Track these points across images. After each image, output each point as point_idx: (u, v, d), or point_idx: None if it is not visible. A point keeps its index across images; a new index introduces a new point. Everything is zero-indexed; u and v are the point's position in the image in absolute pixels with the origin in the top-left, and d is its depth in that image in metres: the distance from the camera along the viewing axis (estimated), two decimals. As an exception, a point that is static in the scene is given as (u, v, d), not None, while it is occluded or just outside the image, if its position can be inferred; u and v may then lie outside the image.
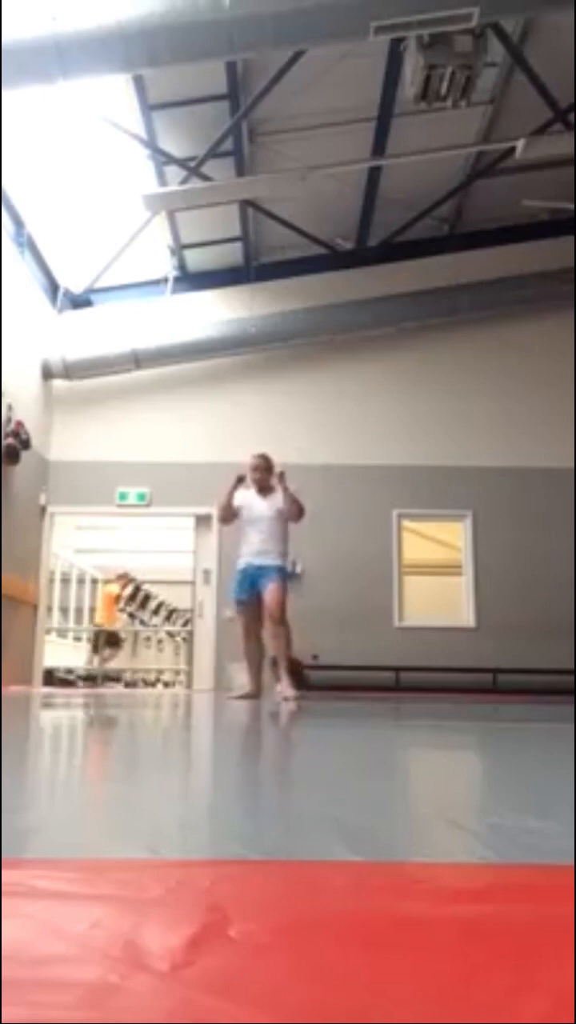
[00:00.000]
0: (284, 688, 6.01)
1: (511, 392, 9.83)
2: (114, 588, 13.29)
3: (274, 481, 6.29)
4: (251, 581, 6.21)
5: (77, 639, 13.95)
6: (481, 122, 8.23)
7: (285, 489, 6.20)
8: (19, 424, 8.40)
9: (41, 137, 7.58)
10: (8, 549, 8.07)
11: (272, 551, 6.20)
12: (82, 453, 9.66)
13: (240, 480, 6.31)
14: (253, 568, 6.20)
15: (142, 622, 15.24)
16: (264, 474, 6.32)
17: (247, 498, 6.31)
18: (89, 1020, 0.48)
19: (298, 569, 9.20)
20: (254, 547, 6.22)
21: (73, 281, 9.78)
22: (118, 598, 13.39)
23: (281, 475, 6.26)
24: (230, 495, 6.29)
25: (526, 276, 9.50)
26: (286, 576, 6.32)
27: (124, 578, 13.45)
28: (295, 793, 1.61)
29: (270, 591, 6.11)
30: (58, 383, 9.69)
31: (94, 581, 15.03)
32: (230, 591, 6.61)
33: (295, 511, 6.23)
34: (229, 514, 6.38)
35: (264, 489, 6.31)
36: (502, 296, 9.63)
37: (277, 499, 6.25)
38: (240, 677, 8.03)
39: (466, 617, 9.51)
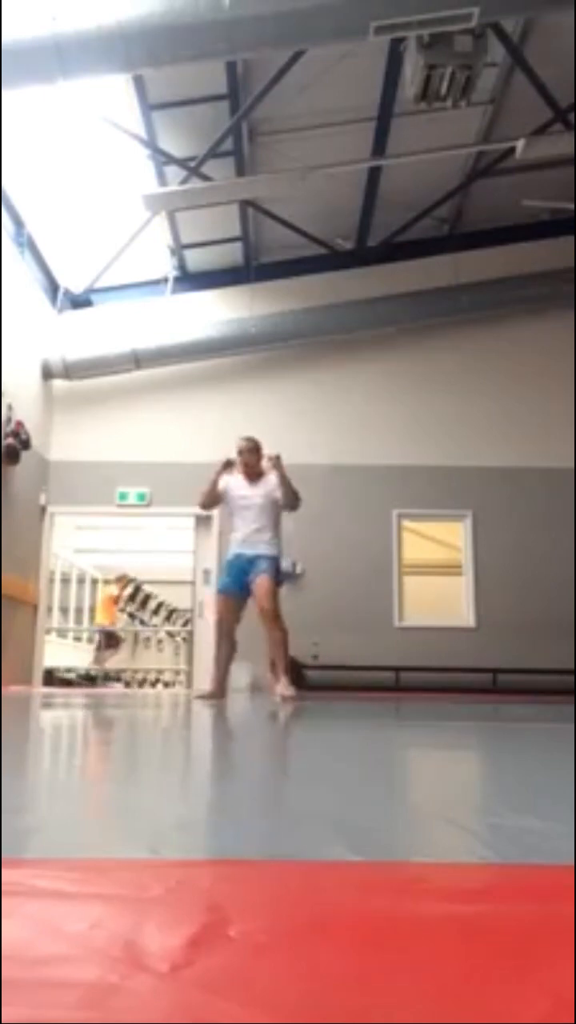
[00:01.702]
0: (283, 688, 5.72)
1: (511, 392, 9.83)
2: (113, 590, 13.31)
3: (266, 464, 5.97)
4: (240, 573, 5.87)
5: (77, 639, 13.97)
6: (481, 122, 8.23)
7: (280, 474, 5.88)
8: (19, 424, 8.40)
9: (41, 137, 7.58)
10: (8, 549, 8.07)
11: (262, 540, 5.86)
12: (82, 453, 9.66)
13: (228, 464, 6.01)
14: (243, 559, 5.88)
15: (142, 622, 15.25)
16: (252, 457, 5.97)
17: (235, 483, 6.00)
18: (89, 1020, 0.48)
19: (298, 569, 9.20)
20: (243, 535, 5.90)
21: (73, 281, 9.77)
22: (117, 599, 13.41)
23: (276, 459, 5.93)
24: (215, 478, 5.99)
25: (526, 276, 9.50)
26: (279, 567, 5.96)
27: (123, 579, 13.47)
28: (294, 793, 1.61)
29: (259, 584, 5.76)
30: (58, 383, 9.69)
31: (94, 581, 15.04)
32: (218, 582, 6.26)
33: (289, 496, 5.91)
34: (211, 499, 6.10)
35: (253, 475, 5.97)
36: (502, 296, 9.63)
37: (268, 485, 5.95)
38: (241, 678, 8.02)
39: (466, 617, 9.51)
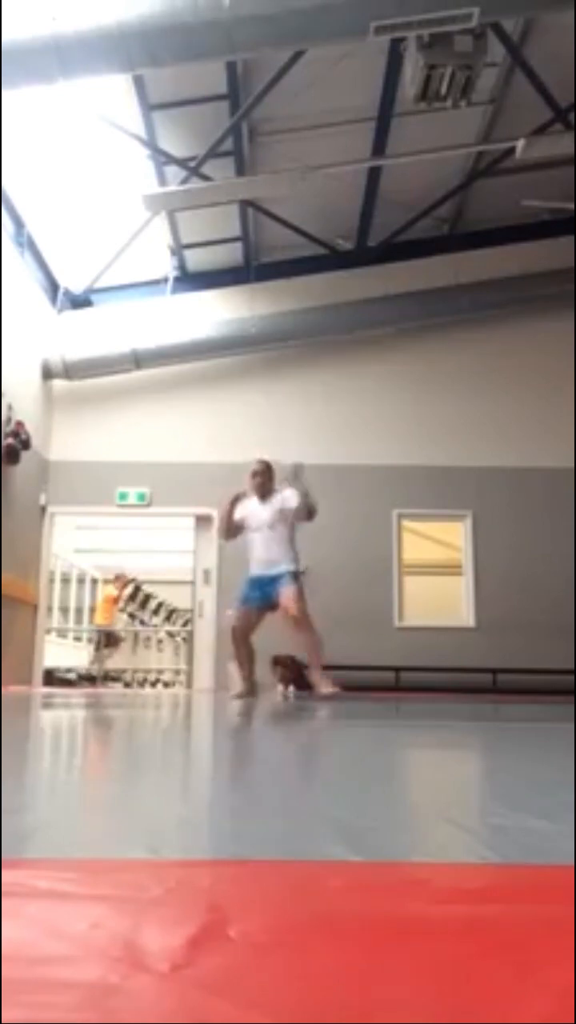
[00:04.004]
0: (325, 687, 5.83)
1: (511, 392, 9.83)
2: (112, 590, 13.31)
3: (281, 483, 6.04)
4: (262, 589, 5.95)
5: (77, 639, 13.97)
6: (481, 122, 8.23)
7: (301, 482, 5.91)
8: (19, 424, 8.40)
9: (41, 137, 7.58)
10: (8, 549, 8.07)
11: (281, 558, 5.93)
12: (82, 453, 9.66)
13: (236, 499, 6.06)
14: (266, 578, 5.94)
15: (142, 622, 15.26)
16: (264, 478, 6.07)
17: (248, 508, 6.07)
18: (89, 1020, 0.48)
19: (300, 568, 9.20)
20: (262, 557, 5.97)
21: (73, 281, 9.78)
22: (116, 599, 13.41)
23: (300, 468, 5.99)
24: (230, 513, 6.05)
25: (526, 276, 9.50)
26: (299, 578, 5.99)
27: (121, 579, 13.47)
28: (294, 794, 1.61)
29: (286, 596, 5.81)
30: (58, 383, 9.69)
31: (94, 581, 15.05)
32: (237, 593, 6.28)
33: (305, 509, 5.93)
34: (232, 531, 6.13)
35: (265, 495, 6.06)
36: (502, 296, 9.64)
37: (277, 501, 6.01)
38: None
39: (466, 617, 9.51)
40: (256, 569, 6.00)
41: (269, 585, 5.91)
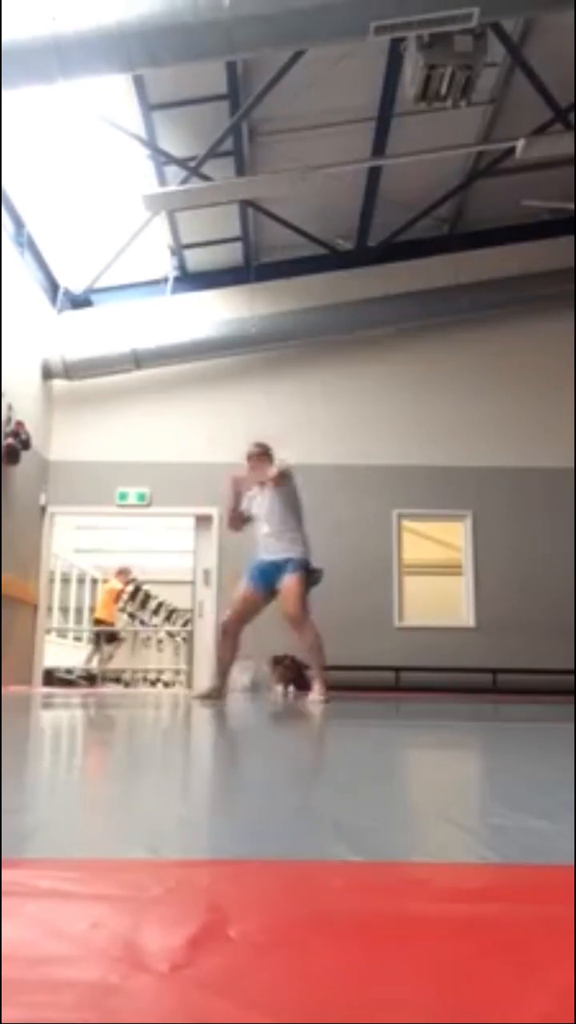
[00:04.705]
0: (315, 693, 5.57)
1: (511, 392, 9.83)
2: (116, 584, 13.27)
3: (273, 472, 5.73)
4: (268, 575, 5.63)
5: (77, 639, 13.97)
6: (481, 122, 8.23)
7: (279, 478, 5.65)
8: (19, 424, 8.40)
9: (41, 137, 7.58)
10: (8, 549, 8.07)
11: (285, 541, 5.61)
12: (82, 453, 9.66)
13: (238, 488, 5.80)
14: (271, 564, 5.62)
15: (142, 622, 15.25)
16: (260, 462, 5.79)
17: (249, 495, 5.83)
18: (89, 1020, 0.48)
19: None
20: (264, 545, 5.69)
21: (73, 281, 9.78)
22: (119, 594, 13.38)
23: (286, 470, 5.72)
24: (235, 503, 5.77)
25: (526, 276, 9.50)
26: (308, 567, 5.63)
27: (125, 573, 13.40)
28: (292, 794, 1.61)
29: (287, 588, 5.51)
30: (58, 383, 9.69)
31: (94, 581, 15.05)
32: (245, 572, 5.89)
33: (278, 473, 5.66)
34: (238, 520, 5.83)
35: (263, 480, 5.78)
36: (502, 296, 9.64)
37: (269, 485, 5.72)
38: (241, 678, 8.02)
39: (466, 617, 9.51)
40: (261, 555, 5.70)
41: (275, 570, 5.60)
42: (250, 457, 5.85)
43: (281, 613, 5.65)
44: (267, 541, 5.67)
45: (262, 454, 5.85)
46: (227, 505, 5.89)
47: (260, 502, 5.76)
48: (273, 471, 5.69)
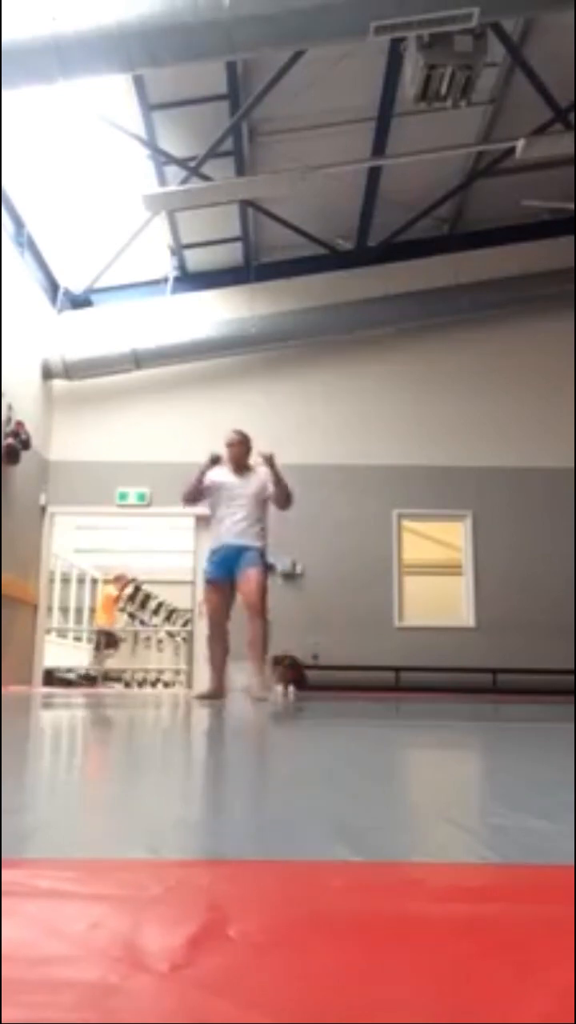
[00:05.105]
0: (255, 688, 5.53)
1: (511, 392, 9.83)
2: (112, 590, 13.31)
3: (256, 460, 5.80)
4: (227, 562, 5.69)
5: (77, 639, 13.96)
6: (481, 122, 8.23)
7: (273, 470, 5.71)
8: (19, 424, 8.40)
9: (41, 137, 7.58)
10: (8, 549, 8.07)
11: (252, 532, 5.69)
12: (82, 453, 9.66)
13: (215, 460, 5.83)
14: (231, 549, 5.68)
15: (142, 622, 15.24)
16: (240, 450, 5.88)
17: (222, 476, 5.85)
18: (89, 1020, 0.48)
19: (298, 569, 9.21)
20: (230, 528, 5.70)
21: (73, 281, 9.77)
22: (117, 599, 13.41)
23: (270, 457, 5.72)
24: (201, 473, 5.82)
25: (526, 276, 9.50)
26: (266, 562, 5.79)
27: (121, 579, 13.46)
28: (292, 794, 1.61)
29: (248, 576, 5.59)
30: (58, 383, 9.69)
31: (94, 581, 15.04)
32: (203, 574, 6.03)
33: (282, 494, 5.74)
34: (196, 493, 5.89)
35: (241, 468, 5.87)
36: (502, 296, 9.63)
37: (259, 479, 5.79)
38: (240, 677, 8.01)
39: (466, 617, 9.51)
40: (224, 538, 5.73)
41: (235, 556, 5.67)
42: (231, 444, 5.94)
43: (242, 599, 5.69)
44: (238, 525, 5.73)
45: (242, 442, 5.95)
46: (195, 476, 5.92)
47: (235, 487, 5.81)
48: (267, 452, 5.75)
